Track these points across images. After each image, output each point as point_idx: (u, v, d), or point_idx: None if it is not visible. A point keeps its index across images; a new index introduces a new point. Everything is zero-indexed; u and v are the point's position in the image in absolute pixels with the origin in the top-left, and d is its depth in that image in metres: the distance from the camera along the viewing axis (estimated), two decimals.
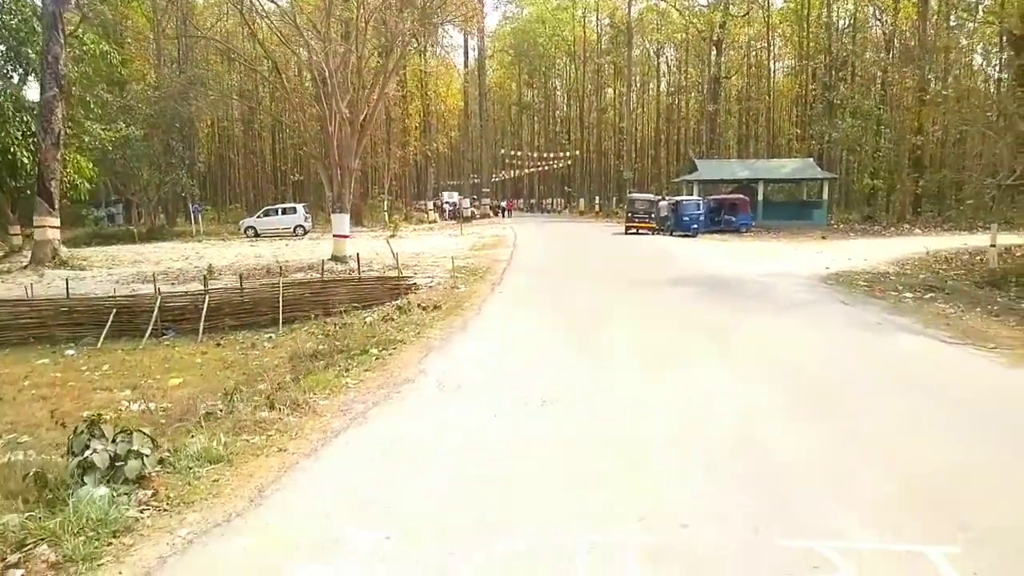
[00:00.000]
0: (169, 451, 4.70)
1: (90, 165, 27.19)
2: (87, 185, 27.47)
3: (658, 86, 69.45)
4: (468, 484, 4.01)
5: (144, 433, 4.56)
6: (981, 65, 46.20)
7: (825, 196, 35.24)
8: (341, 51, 19.34)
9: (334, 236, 20.23)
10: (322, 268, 16.69)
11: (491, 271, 17.21)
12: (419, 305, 12.00)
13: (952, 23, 36.86)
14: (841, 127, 37.79)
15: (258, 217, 36.97)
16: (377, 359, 7.84)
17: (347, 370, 7.39)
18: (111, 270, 21.64)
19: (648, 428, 5.07)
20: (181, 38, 46.64)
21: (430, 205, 48.68)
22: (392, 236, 33.74)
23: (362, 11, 19.09)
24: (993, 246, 16.48)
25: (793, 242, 26.00)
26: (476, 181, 61.19)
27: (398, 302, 12.94)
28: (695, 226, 29.22)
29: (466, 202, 50.65)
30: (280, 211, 36.61)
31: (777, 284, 13.86)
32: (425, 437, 5.02)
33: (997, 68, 41.85)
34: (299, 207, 37.17)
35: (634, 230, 31.31)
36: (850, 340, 8.52)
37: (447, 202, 51.54)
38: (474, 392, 6.17)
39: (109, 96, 34.75)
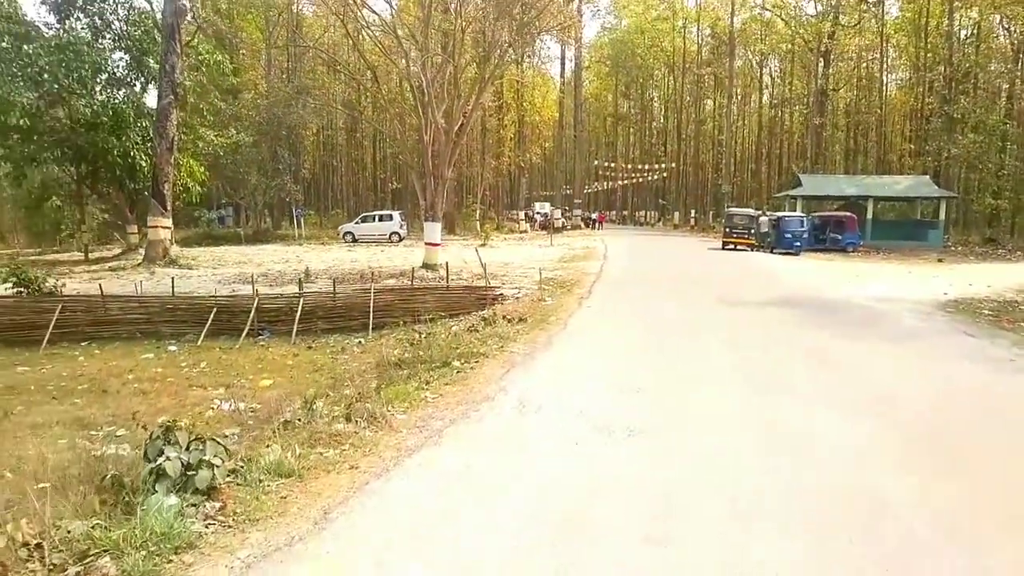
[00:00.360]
0: (242, 461, 4.62)
1: (202, 169, 28.79)
2: (199, 188, 29.13)
3: (760, 98, 67.16)
4: (541, 527, 3.68)
5: (217, 442, 4.51)
6: None
7: (942, 216, 32.77)
8: (439, 61, 19.56)
9: (426, 244, 20.41)
10: (412, 275, 16.80)
11: (579, 284, 16.83)
12: (504, 317, 11.79)
13: None
14: (961, 143, 35.08)
15: (356, 223, 38.09)
16: (459, 372, 7.65)
17: (428, 383, 7.23)
18: (216, 270, 22.71)
19: (743, 471, 4.58)
20: (290, 48, 49.04)
21: (521, 215, 48.75)
22: (482, 245, 33.96)
23: (460, 21, 19.23)
24: None
25: (906, 264, 24.22)
26: (568, 192, 60.92)
27: (484, 313, 12.82)
28: (798, 243, 27.78)
29: (557, 213, 50.41)
30: (377, 218, 37.61)
31: (889, 309, 12.79)
32: (501, 465, 4.74)
33: None
34: (395, 214, 38.06)
35: (732, 246, 30.12)
36: (976, 378, 7.62)
37: (539, 212, 51.49)
38: (555, 415, 5.84)
39: (222, 104, 36.76)
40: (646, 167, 61.03)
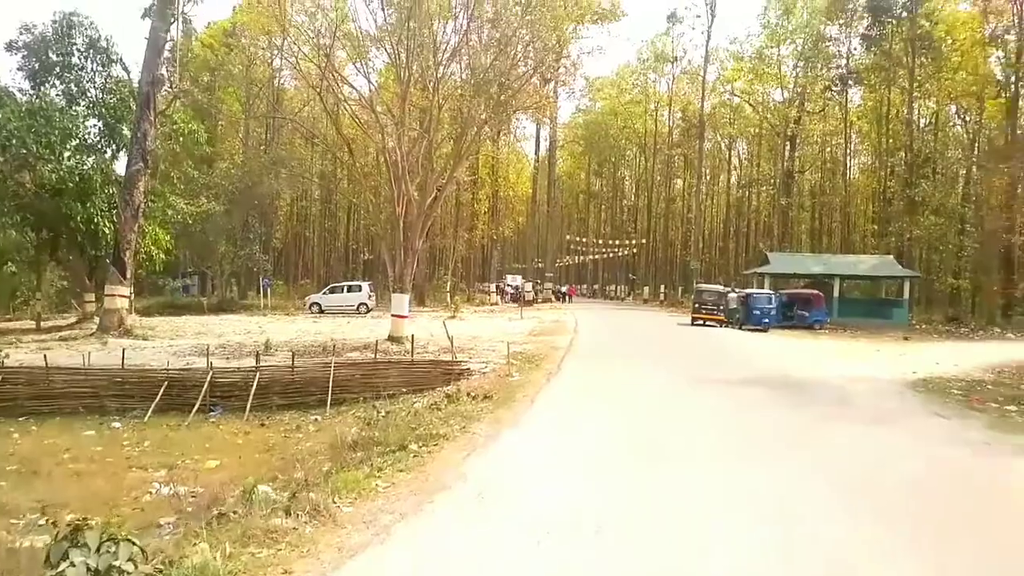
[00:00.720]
0: (163, 565, 4.10)
1: (168, 237, 28.26)
2: (163, 256, 28.50)
3: (728, 178, 69.20)
4: None
5: (133, 542, 3.99)
6: None
7: (907, 295, 33.36)
8: (415, 136, 19.70)
9: (392, 316, 20.02)
10: (375, 348, 16.30)
11: (548, 359, 16.50)
12: (469, 393, 11.37)
13: None
14: (923, 224, 36.20)
15: (324, 294, 37.59)
16: (415, 457, 7.17)
17: (380, 469, 6.74)
18: (173, 341, 21.95)
19: (721, 571, 4.18)
20: (268, 120, 49.51)
21: (492, 287, 48.66)
22: (452, 317, 33.59)
23: (437, 98, 19.49)
24: None
25: (873, 342, 24.34)
26: (540, 266, 61.25)
27: (448, 389, 12.36)
28: (766, 320, 27.90)
29: (528, 285, 50.46)
30: (345, 288, 37.17)
31: (859, 389, 12.64)
32: (454, 568, 4.27)
33: None
34: (364, 285, 37.66)
35: (701, 321, 30.18)
36: (955, 464, 7.35)
37: (510, 285, 51.46)
38: (517, 508, 5.39)
39: (195, 172, 36.68)
40: (616, 243, 61.89)
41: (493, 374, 14.34)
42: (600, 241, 62.38)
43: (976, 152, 42.23)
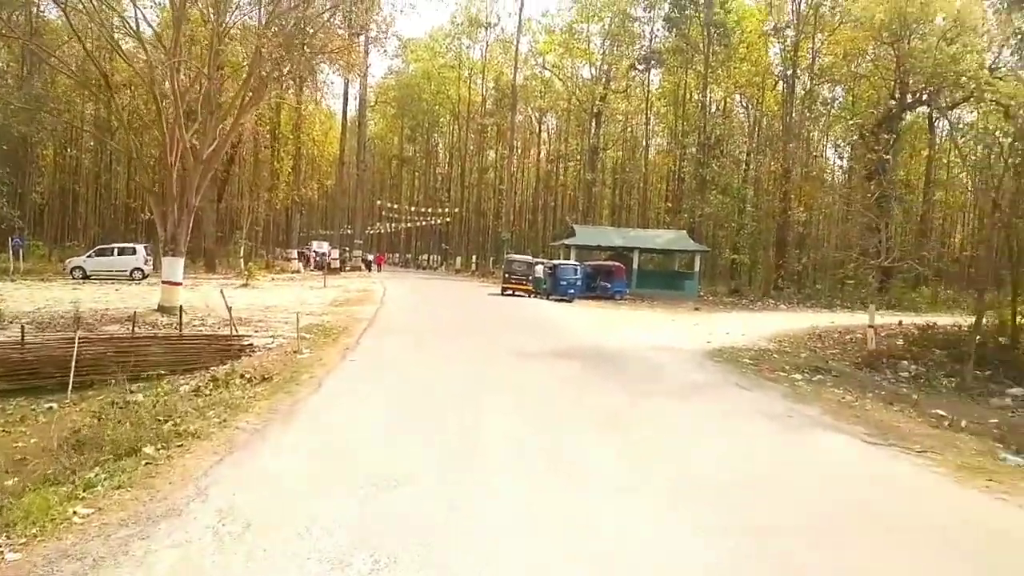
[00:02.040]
0: None
1: None
2: None
3: (539, 152, 70.43)
4: None
5: None
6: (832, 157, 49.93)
7: (697, 268, 35.73)
8: (193, 74, 16.81)
9: (163, 283, 17.18)
10: (134, 321, 13.65)
11: (348, 332, 14.91)
12: (244, 375, 9.57)
13: (810, 115, 39.39)
14: (712, 202, 38.99)
15: (88, 257, 32.26)
16: (147, 465, 5.43)
17: (91, 485, 4.95)
18: None
19: None
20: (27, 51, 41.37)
21: (294, 254, 45.26)
22: (245, 285, 30.53)
23: (217, 29, 16.73)
24: (871, 327, 16.34)
25: (669, 312, 25.50)
26: (349, 232, 58.34)
27: (221, 369, 10.41)
28: (572, 291, 28.26)
29: (335, 253, 47.65)
30: (116, 251, 32.07)
31: (664, 360, 12.60)
32: None
33: (845, 160, 45.38)
34: (139, 248, 32.78)
35: (511, 291, 30.02)
36: (766, 440, 7.09)
37: (315, 251, 48.21)
38: (268, 539, 3.97)
39: None
40: (429, 211, 60.62)
41: (280, 351, 12.52)
42: (412, 209, 60.64)
43: (756, 138, 46.37)
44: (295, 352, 12.03)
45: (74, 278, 31.24)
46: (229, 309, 13.74)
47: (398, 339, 13.78)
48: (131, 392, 10.98)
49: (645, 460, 5.98)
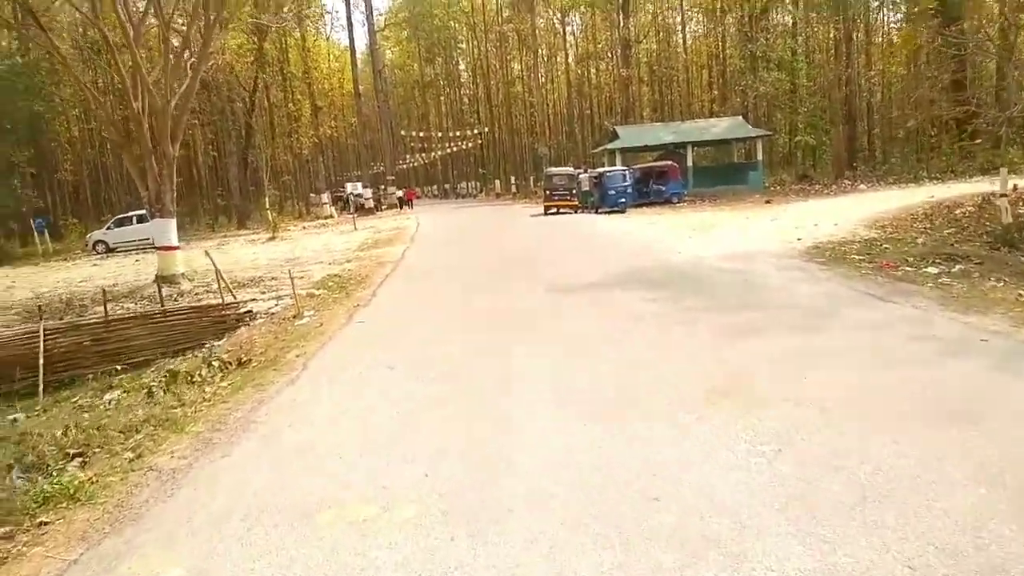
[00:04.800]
0: None
1: None
2: None
3: (566, 57, 65.48)
4: None
5: None
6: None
7: (759, 156, 31.96)
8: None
9: (157, 250, 15.08)
10: (105, 301, 11.48)
11: (366, 282, 12.58)
12: (216, 361, 7.34)
13: None
14: (767, 81, 34.71)
15: (108, 229, 30.71)
16: None
17: None
18: None
19: None
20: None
21: (324, 198, 43.04)
22: (272, 238, 28.63)
23: None
24: (1004, 195, 13.09)
25: (737, 209, 22.35)
26: (381, 169, 55.80)
27: (195, 355, 8.21)
28: (623, 200, 25.28)
29: (368, 192, 45.27)
30: (135, 219, 30.33)
31: (757, 271, 9.82)
32: None
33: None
34: None
35: (554, 210, 27.11)
36: (985, 394, 4.39)
37: (351, 194, 45.84)
38: None
39: None
40: (459, 134, 57.19)
41: (281, 316, 10.28)
42: (440, 135, 57.35)
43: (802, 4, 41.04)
44: (295, 317, 9.76)
45: (97, 252, 29.88)
46: (218, 272, 11.48)
47: (421, 286, 11.36)
48: (110, 388, 9.04)
49: (786, 449, 3.43)
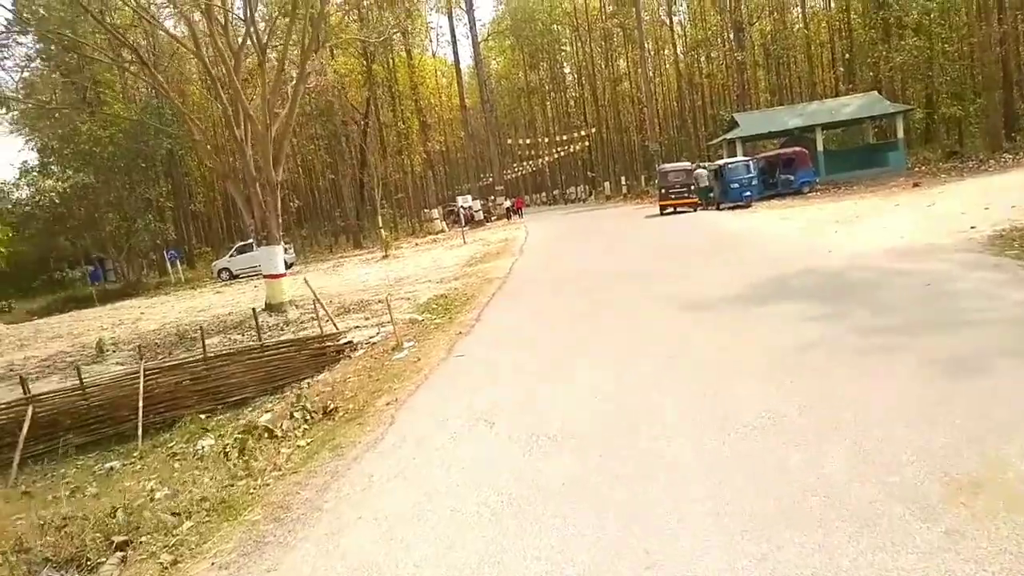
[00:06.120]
0: None
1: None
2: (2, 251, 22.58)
3: (674, 48, 62.72)
4: None
5: None
6: None
7: (900, 134, 28.56)
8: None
9: (265, 278, 14.92)
10: (203, 337, 11.16)
11: (472, 302, 11.64)
12: (303, 409, 6.52)
13: None
14: (905, 48, 31.04)
15: (231, 257, 31.94)
16: None
17: None
18: None
19: None
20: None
21: (434, 213, 43.12)
22: (385, 256, 28.63)
23: None
24: None
25: (882, 196, 19.70)
26: (490, 180, 55.61)
27: (280, 401, 7.49)
28: (747, 193, 23.14)
29: (476, 204, 44.99)
30: (256, 246, 31.38)
31: (937, 272, 7.92)
32: None
33: None
34: None
35: (671, 209, 25.26)
36: None
37: (461, 207, 45.82)
38: None
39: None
40: (565, 138, 55.94)
41: (380, 348, 9.49)
42: (546, 140, 56.36)
43: None
44: (394, 349, 8.91)
45: (222, 280, 31.10)
46: (317, 300, 10.88)
47: (528, 307, 10.21)
48: (205, 432, 8.59)
49: None
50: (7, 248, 23.36)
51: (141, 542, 4.14)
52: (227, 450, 5.85)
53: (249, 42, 13.84)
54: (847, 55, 44.01)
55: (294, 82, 14.18)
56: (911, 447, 3.44)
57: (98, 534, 4.46)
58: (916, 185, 21.47)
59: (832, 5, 48.33)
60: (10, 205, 33.39)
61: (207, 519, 4.19)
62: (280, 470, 4.85)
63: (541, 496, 3.57)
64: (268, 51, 14.15)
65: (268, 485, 4.57)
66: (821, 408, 4.16)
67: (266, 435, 6.02)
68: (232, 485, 4.78)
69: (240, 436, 5.99)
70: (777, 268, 9.59)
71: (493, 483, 3.82)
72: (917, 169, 27.75)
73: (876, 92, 30.75)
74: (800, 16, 49.05)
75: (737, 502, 3.16)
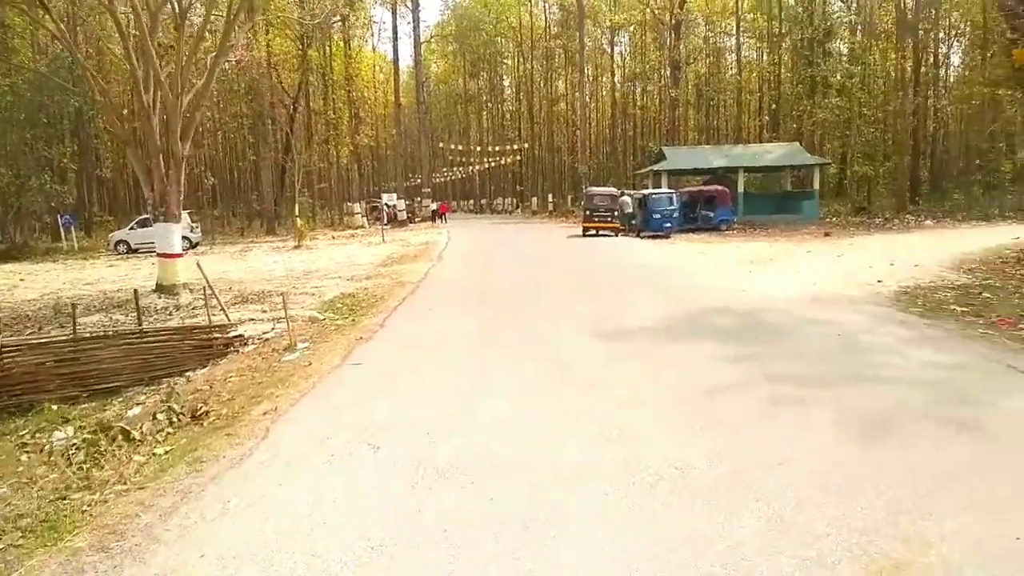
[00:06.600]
0: None
1: None
2: None
3: (612, 77, 63.95)
4: None
5: None
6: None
7: (816, 185, 29.86)
8: None
9: (158, 256, 13.79)
10: (74, 316, 10.10)
11: (379, 306, 11.06)
12: (170, 410, 5.81)
13: None
14: (827, 106, 32.60)
15: (131, 229, 29.88)
16: None
17: None
18: None
19: None
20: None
21: (356, 208, 41.97)
22: (297, 247, 27.48)
23: None
24: None
25: (795, 242, 20.38)
26: (417, 182, 54.75)
27: (150, 401, 6.72)
28: (668, 224, 23.51)
29: (401, 204, 44.13)
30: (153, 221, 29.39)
31: (847, 322, 8.00)
32: None
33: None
34: (184, 214, 30.10)
35: (593, 231, 25.41)
36: None
37: (386, 204, 44.70)
38: None
39: None
40: (498, 149, 55.88)
41: (271, 346, 8.78)
42: (479, 149, 56.12)
43: (863, 31, 38.74)
44: (288, 348, 8.24)
45: (118, 252, 29.05)
46: (207, 289, 10.02)
47: (438, 318, 9.71)
48: (65, 422, 7.63)
49: None
50: None
51: None
52: (71, 452, 5.09)
53: (170, 5, 12.82)
54: (774, 105, 45.97)
55: (215, 54, 13.21)
56: (827, 516, 3.18)
57: None
58: (827, 235, 22.37)
59: (765, 57, 50.40)
60: None
61: (20, 542, 3.50)
62: (126, 483, 4.18)
63: (421, 543, 3.11)
64: (190, 15, 13.14)
65: (106, 502, 3.90)
66: (733, 460, 3.88)
67: (121, 437, 5.29)
68: (64, 498, 4.07)
69: (89, 436, 5.23)
70: (693, 303, 9.51)
71: (367, 523, 3.33)
72: (828, 220, 29.07)
73: (797, 143, 32.10)
74: (734, 63, 50.80)
75: (640, 570, 2.81)
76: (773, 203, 30.31)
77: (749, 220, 27.55)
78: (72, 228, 34.34)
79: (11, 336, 11.04)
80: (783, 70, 45.08)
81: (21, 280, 20.69)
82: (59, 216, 34.13)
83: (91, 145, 45.22)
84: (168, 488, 3.98)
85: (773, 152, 31.13)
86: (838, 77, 33.20)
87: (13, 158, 33.21)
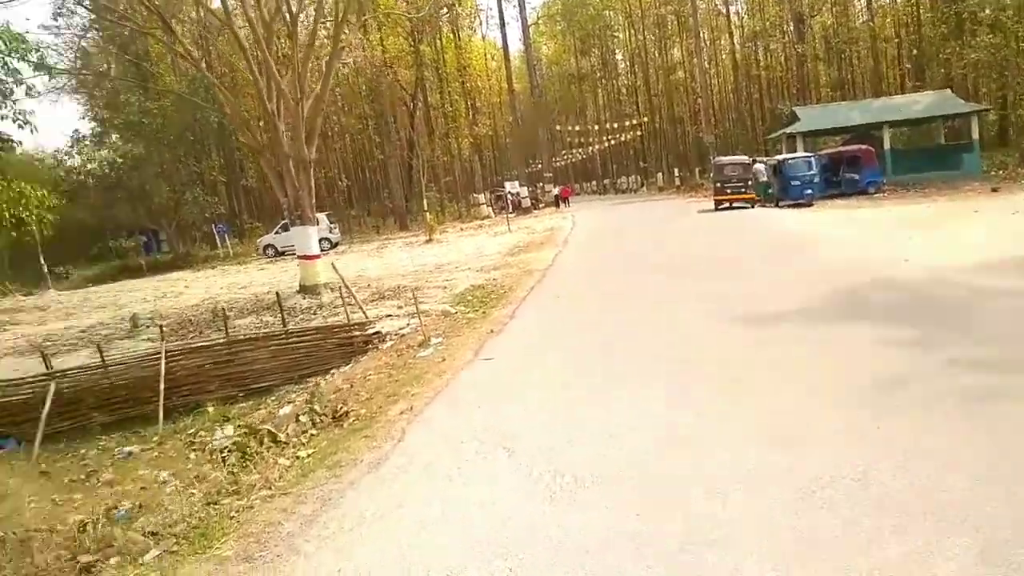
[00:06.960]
0: None
1: (42, 193, 22.33)
2: (48, 219, 22.73)
3: (731, 38, 60.48)
4: None
5: None
6: None
7: (975, 136, 26.68)
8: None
9: (299, 259, 14.48)
10: (225, 318, 10.70)
11: (509, 296, 10.99)
12: (312, 411, 5.96)
13: None
14: (980, 46, 28.96)
15: (276, 233, 31.91)
16: None
17: None
18: (41, 327, 16.86)
19: None
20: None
21: (481, 198, 42.51)
22: (428, 241, 28.16)
23: None
24: None
25: (957, 201, 18.25)
26: (538, 167, 54.71)
27: (294, 399, 6.95)
28: (809, 191, 21.85)
29: (524, 191, 44.19)
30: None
31: None
32: None
33: None
34: (322, 216, 31.80)
35: (726, 204, 23.92)
36: None
37: (509, 193, 45.01)
38: None
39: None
40: (617, 126, 54.58)
41: (407, 342, 8.91)
42: (597, 128, 55.07)
43: None
44: (420, 345, 8.30)
45: (267, 256, 31.14)
46: (344, 286, 10.33)
47: (566, 307, 9.45)
48: (226, 421, 8.16)
49: None
50: (56, 216, 23.56)
51: (108, 566, 3.60)
52: (224, 455, 5.31)
53: (283, 13, 13.33)
54: (915, 51, 41.68)
55: (328, 57, 13.63)
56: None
57: (64, 551, 3.95)
58: (995, 190, 19.92)
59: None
60: (63, 173, 33.99)
61: (175, 547, 3.62)
62: (271, 488, 4.26)
63: (562, 564, 2.87)
64: (301, 23, 13.61)
65: (252, 508, 3.98)
66: (920, 472, 3.31)
67: (269, 439, 5.47)
68: (215, 503, 4.21)
69: (240, 439, 5.45)
70: (847, 277, 8.60)
71: (504, 539, 3.12)
72: (993, 173, 25.93)
73: (948, 90, 28.83)
74: (865, 9, 46.47)
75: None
76: (926, 159, 27.40)
77: (899, 180, 25.07)
78: (226, 236, 37.29)
79: (176, 340, 11.99)
80: (922, 11, 40.77)
81: (186, 287, 22.70)
82: (214, 225, 37.21)
83: (234, 157, 48.78)
84: (309, 494, 3.99)
85: (920, 102, 28.05)
86: (987, 12, 29.37)
87: (168, 175, 36.51)
